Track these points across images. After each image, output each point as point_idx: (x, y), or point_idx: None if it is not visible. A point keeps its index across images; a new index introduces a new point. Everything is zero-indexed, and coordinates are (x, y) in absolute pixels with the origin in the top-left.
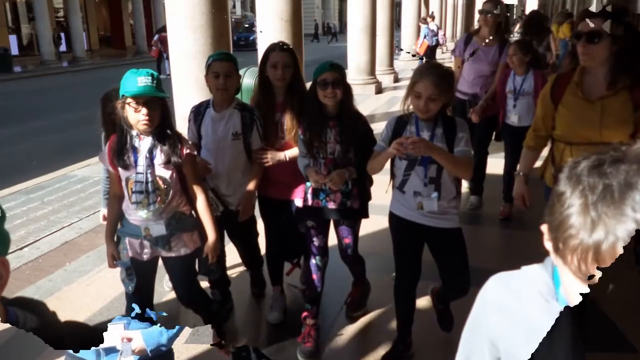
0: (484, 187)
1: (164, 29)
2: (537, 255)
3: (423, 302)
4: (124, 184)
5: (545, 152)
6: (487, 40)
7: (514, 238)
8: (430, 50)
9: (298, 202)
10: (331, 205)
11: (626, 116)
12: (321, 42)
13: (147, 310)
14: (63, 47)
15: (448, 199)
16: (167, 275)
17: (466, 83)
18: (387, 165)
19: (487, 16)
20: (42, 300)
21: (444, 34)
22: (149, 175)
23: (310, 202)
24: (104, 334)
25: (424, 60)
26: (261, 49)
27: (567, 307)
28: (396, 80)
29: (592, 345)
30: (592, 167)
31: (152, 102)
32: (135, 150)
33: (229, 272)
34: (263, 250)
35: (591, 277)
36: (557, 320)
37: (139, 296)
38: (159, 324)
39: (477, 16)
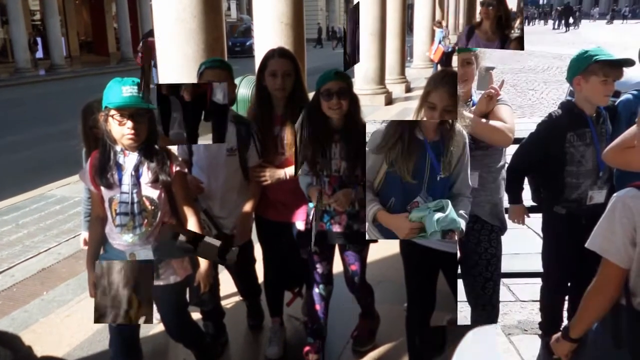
0: None
1: (151, 33)
2: None
3: None
4: (107, 204)
5: None
6: (488, 35)
7: None
8: (446, 57)
9: (300, 224)
10: (336, 229)
11: None
12: (325, 48)
13: (132, 344)
14: (40, 54)
15: None
16: (155, 306)
17: None
18: None
19: (489, 9)
20: (17, 334)
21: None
22: (134, 195)
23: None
24: None
25: (439, 67)
26: (259, 56)
27: None
28: (408, 90)
29: None
30: None
31: (138, 115)
32: (119, 167)
33: (223, 303)
34: (261, 278)
35: None
36: None
37: (124, 329)
38: None
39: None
